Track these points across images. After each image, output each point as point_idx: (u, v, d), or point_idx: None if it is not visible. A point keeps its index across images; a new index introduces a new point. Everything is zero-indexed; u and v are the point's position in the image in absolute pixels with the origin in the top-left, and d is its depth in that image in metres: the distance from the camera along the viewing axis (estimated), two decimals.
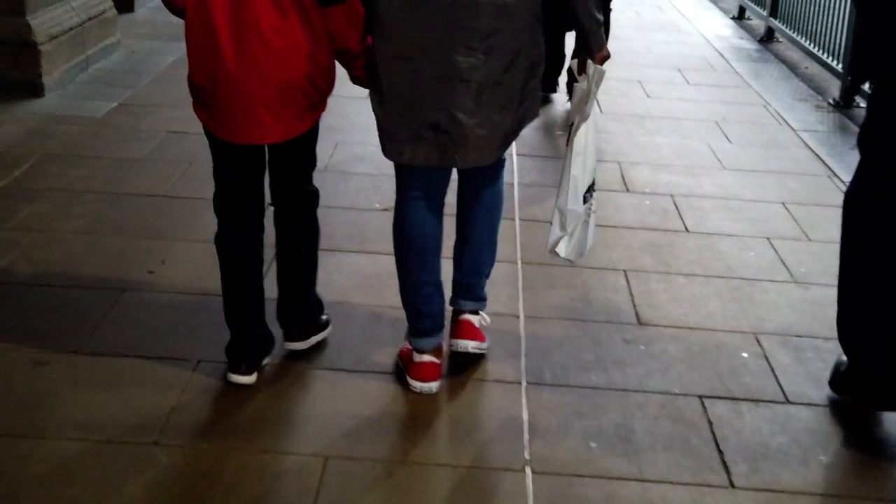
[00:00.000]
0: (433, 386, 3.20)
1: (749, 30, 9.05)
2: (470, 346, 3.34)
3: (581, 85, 3.04)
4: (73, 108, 5.67)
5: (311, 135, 3.11)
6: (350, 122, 5.51)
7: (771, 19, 8.46)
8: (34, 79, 5.75)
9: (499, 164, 3.25)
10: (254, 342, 3.18)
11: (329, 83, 3.01)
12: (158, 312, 3.54)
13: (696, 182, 5.13)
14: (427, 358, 3.21)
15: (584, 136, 3.07)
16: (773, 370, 3.40)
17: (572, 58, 3.11)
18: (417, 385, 3.20)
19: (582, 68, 3.05)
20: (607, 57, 3.06)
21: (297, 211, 3.22)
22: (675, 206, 4.80)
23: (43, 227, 4.15)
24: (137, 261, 3.89)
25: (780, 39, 8.44)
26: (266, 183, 3.15)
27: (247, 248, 3.14)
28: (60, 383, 3.10)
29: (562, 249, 3.12)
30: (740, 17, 9.44)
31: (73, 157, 4.92)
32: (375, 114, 3.07)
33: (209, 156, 3.07)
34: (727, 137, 5.87)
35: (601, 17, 3.02)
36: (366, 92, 3.10)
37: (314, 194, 3.25)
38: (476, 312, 3.41)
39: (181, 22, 2.89)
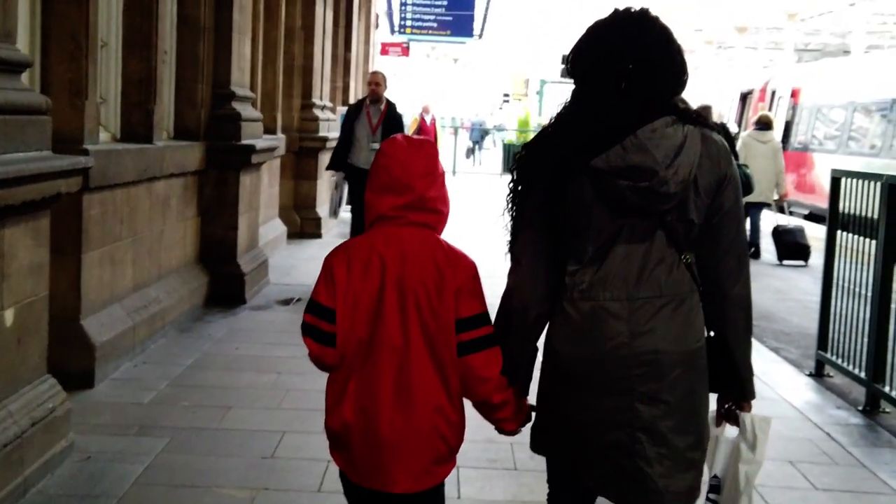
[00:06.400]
0: None
1: (838, 392, 7.54)
2: None
3: (727, 436, 3.04)
4: None
5: (438, 492, 3.09)
6: None
7: (876, 385, 6.96)
8: None
9: None
10: None
11: (458, 437, 3.06)
12: None
13: None
14: None
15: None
16: None
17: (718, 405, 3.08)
18: None
19: (728, 417, 3.07)
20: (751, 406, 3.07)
21: None
22: None
23: None
24: None
25: (888, 410, 6.93)
26: None
27: None
28: None
29: None
30: (818, 373, 7.98)
31: None
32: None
33: None
34: None
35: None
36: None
37: None
38: None
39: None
